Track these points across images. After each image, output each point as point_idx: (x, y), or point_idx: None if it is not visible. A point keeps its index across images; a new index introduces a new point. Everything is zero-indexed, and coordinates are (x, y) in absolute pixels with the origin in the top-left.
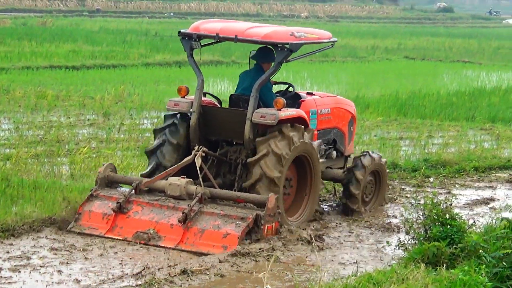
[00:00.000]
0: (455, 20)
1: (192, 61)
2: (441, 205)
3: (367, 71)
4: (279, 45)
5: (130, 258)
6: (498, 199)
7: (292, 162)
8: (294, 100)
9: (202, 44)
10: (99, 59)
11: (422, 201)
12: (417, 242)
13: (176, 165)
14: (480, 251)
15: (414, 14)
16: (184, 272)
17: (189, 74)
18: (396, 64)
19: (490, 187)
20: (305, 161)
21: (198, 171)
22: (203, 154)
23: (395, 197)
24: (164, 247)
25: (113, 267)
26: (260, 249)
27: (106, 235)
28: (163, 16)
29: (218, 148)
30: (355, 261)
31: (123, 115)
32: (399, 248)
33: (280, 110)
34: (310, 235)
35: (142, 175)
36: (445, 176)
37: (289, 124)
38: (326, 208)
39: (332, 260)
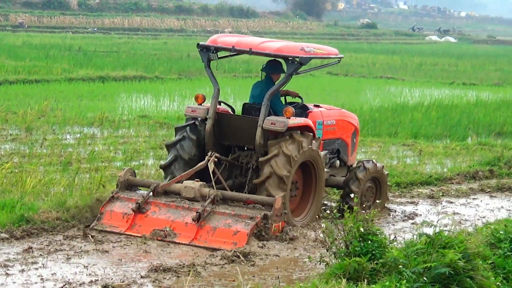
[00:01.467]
0: (379, 36)
1: (209, 72)
2: (362, 220)
3: (290, 87)
4: (289, 58)
5: (52, 274)
6: (420, 215)
7: (299, 167)
8: (302, 111)
9: (219, 56)
10: (22, 74)
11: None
12: (338, 257)
13: (190, 170)
14: (401, 266)
15: (337, 30)
16: (105, 287)
17: (112, 89)
18: (319, 80)
19: (411, 202)
20: (311, 167)
21: (211, 175)
22: (216, 159)
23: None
24: (179, 243)
25: (35, 283)
26: (180, 265)
27: (126, 233)
28: (87, 31)
29: (230, 153)
30: (277, 276)
31: (45, 130)
32: (320, 263)
33: (289, 118)
34: (235, 251)
35: (161, 166)
36: None
37: (299, 131)
38: None
39: (253, 276)
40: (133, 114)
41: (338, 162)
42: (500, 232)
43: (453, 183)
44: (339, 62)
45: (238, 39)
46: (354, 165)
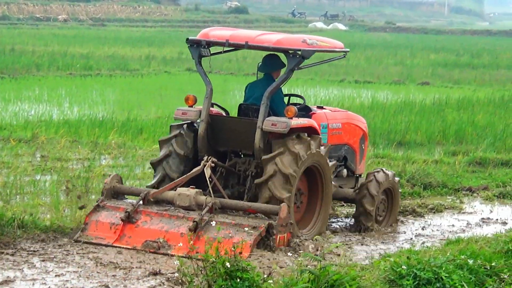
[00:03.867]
0: (250, 23)
1: (200, 69)
2: (228, 253)
3: (140, 87)
4: (290, 51)
5: None
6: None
7: (304, 174)
8: (304, 113)
9: (211, 52)
10: None
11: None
12: None
13: (183, 176)
14: None
15: (199, 15)
16: None
17: None
18: (176, 78)
19: None
20: (318, 175)
21: (208, 182)
22: (213, 164)
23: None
24: (174, 255)
25: None
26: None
27: (114, 244)
28: None
29: (227, 160)
30: None
31: None
32: None
33: (291, 118)
34: None
35: (148, 187)
36: None
37: (305, 133)
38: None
39: None
40: None
41: (345, 171)
42: (402, 266)
43: (343, 205)
44: (344, 56)
45: (232, 32)
46: (363, 175)
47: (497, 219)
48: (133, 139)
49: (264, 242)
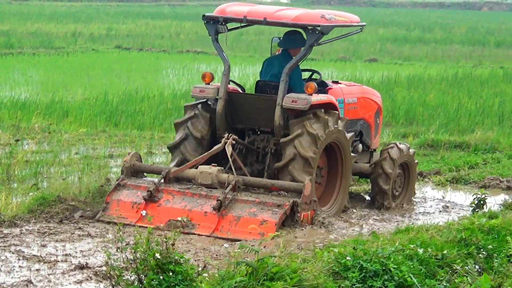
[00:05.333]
0: None
1: (218, 46)
2: (160, 245)
3: (66, 66)
4: (309, 27)
5: None
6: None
7: (323, 151)
8: (320, 88)
9: (228, 28)
10: None
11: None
12: None
13: (204, 154)
14: None
15: None
16: None
17: None
18: (105, 56)
19: None
20: (337, 151)
21: (230, 159)
22: (233, 142)
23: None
24: (199, 234)
25: None
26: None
27: (137, 224)
28: None
29: (245, 138)
30: None
31: None
32: None
33: (311, 95)
34: None
35: (168, 146)
36: None
37: (322, 109)
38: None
39: None
40: None
41: (360, 146)
42: (347, 257)
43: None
44: (361, 30)
45: (250, 8)
46: (378, 151)
47: (449, 206)
48: (58, 122)
49: (288, 220)
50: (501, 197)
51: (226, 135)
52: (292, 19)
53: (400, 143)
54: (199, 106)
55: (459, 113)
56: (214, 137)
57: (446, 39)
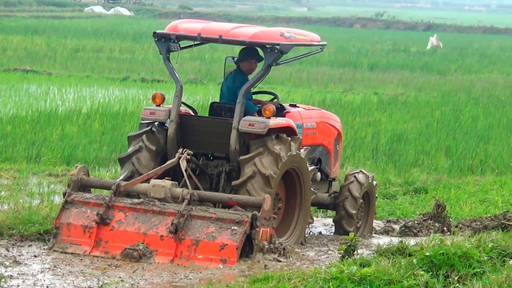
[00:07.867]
0: (12, 6)
1: (169, 65)
2: None
3: None
4: (268, 46)
5: None
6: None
7: (280, 178)
8: (278, 111)
9: (181, 46)
10: None
11: None
12: None
13: (157, 168)
14: None
15: None
16: None
17: None
18: None
19: None
20: (296, 179)
21: (184, 174)
22: (188, 156)
23: None
24: (157, 263)
25: None
26: None
27: (92, 254)
28: None
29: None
30: None
31: None
32: None
33: (269, 118)
34: None
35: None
36: None
37: (284, 134)
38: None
39: None
40: None
41: (319, 174)
42: None
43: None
44: (322, 50)
45: (204, 25)
46: (336, 179)
47: (316, 243)
48: None
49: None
50: (374, 242)
51: (180, 150)
52: (249, 37)
53: (363, 170)
54: (156, 123)
55: None
56: (167, 155)
57: (312, 60)
